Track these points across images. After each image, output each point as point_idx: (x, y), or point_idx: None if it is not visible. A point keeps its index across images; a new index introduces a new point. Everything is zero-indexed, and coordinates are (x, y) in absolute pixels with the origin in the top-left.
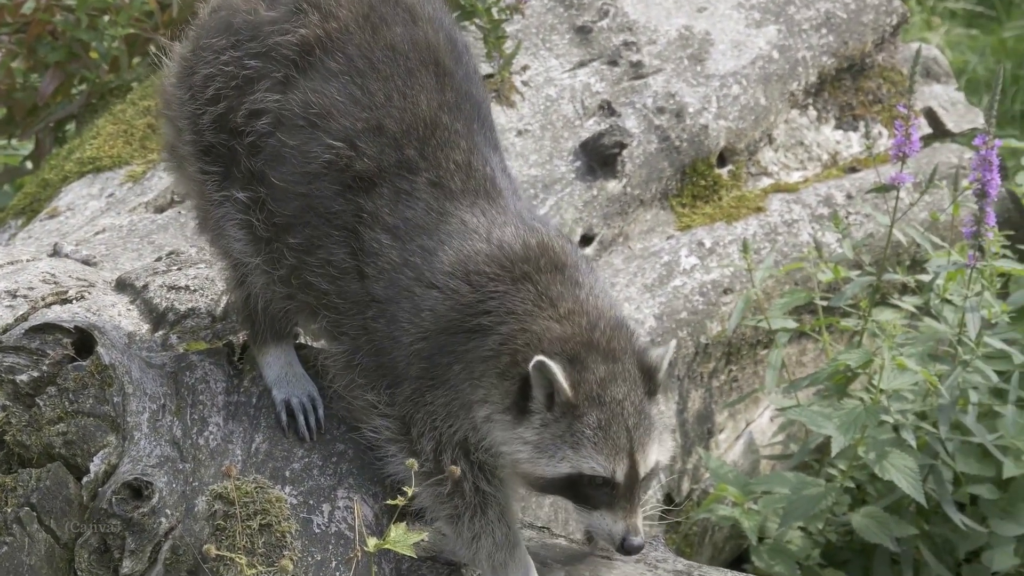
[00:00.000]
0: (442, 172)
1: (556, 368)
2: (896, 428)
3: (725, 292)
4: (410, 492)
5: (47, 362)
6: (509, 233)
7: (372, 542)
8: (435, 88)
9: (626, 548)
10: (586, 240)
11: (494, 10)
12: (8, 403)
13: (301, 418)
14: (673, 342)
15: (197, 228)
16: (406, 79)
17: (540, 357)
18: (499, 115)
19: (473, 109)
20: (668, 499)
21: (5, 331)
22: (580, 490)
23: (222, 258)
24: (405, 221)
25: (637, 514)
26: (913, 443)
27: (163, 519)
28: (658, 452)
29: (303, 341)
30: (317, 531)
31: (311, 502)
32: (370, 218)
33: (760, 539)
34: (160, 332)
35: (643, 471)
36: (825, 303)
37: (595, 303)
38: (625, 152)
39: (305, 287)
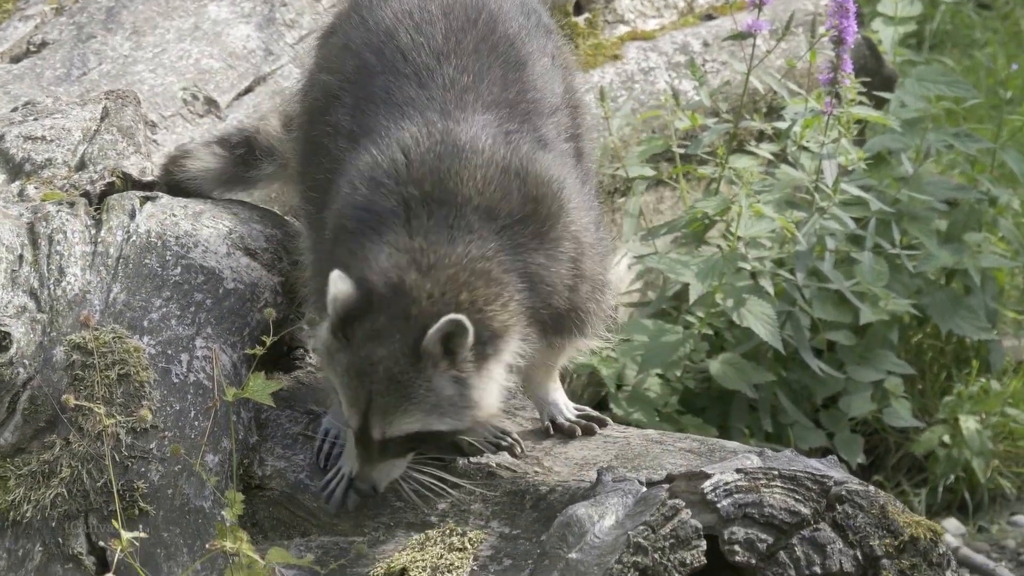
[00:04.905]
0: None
1: (338, 299)
2: (753, 275)
3: None
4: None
5: None
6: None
7: (231, 392)
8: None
9: (352, 484)
10: None
11: None
12: None
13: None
14: (448, 317)
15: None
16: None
17: (333, 275)
18: None
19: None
20: None
21: None
22: None
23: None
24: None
25: (372, 466)
26: (771, 290)
27: (21, 369)
28: (408, 422)
29: None
30: (176, 381)
31: (170, 352)
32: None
33: (618, 386)
34: (16, 183)
35: (378, 433)
36: (682, 151)
37: (446, 251)
38: None
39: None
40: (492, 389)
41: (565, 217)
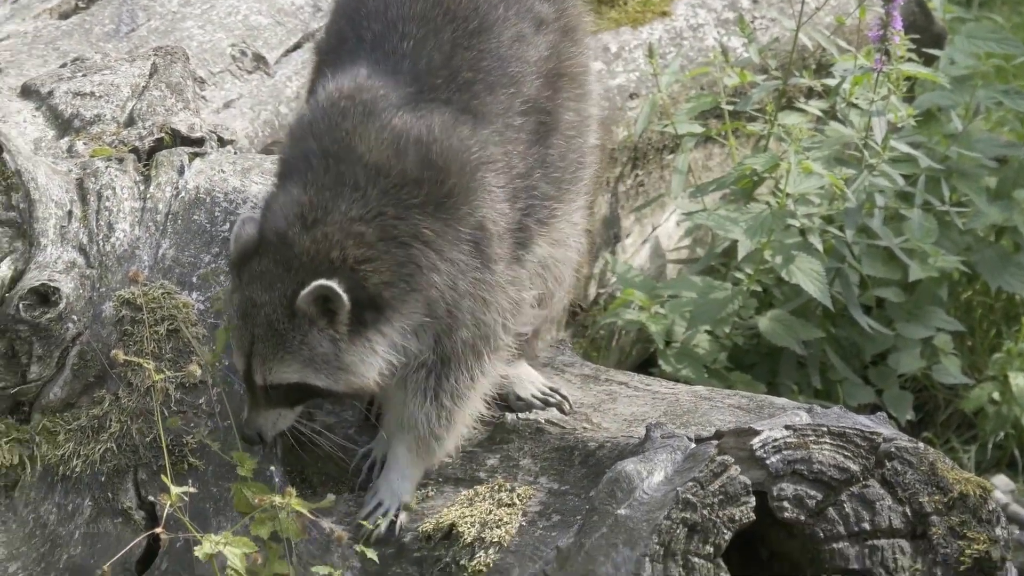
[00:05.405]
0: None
1: (239, 238)
2: (802, 232)
3: (631, 97)
4: None
5: None
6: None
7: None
8: None
9: (240, 432)
10: None
11: None
12: None
13: None
14: (319, 282)
15: None
16: None
17: (241, 216)
18: None
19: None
20: (575, 305)
21: None
22: None
23: None
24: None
25: (258, 412)
26: (819, 247)
27: (70, 325)
28: (286, 372)
29: None
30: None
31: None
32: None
33: (667, 343)
34: (66, 138)
35: (260, 379)
36: (731, 107)
37: (331, 208)
38: None
39: None
40: (368, 358)
41: (474, 198)
